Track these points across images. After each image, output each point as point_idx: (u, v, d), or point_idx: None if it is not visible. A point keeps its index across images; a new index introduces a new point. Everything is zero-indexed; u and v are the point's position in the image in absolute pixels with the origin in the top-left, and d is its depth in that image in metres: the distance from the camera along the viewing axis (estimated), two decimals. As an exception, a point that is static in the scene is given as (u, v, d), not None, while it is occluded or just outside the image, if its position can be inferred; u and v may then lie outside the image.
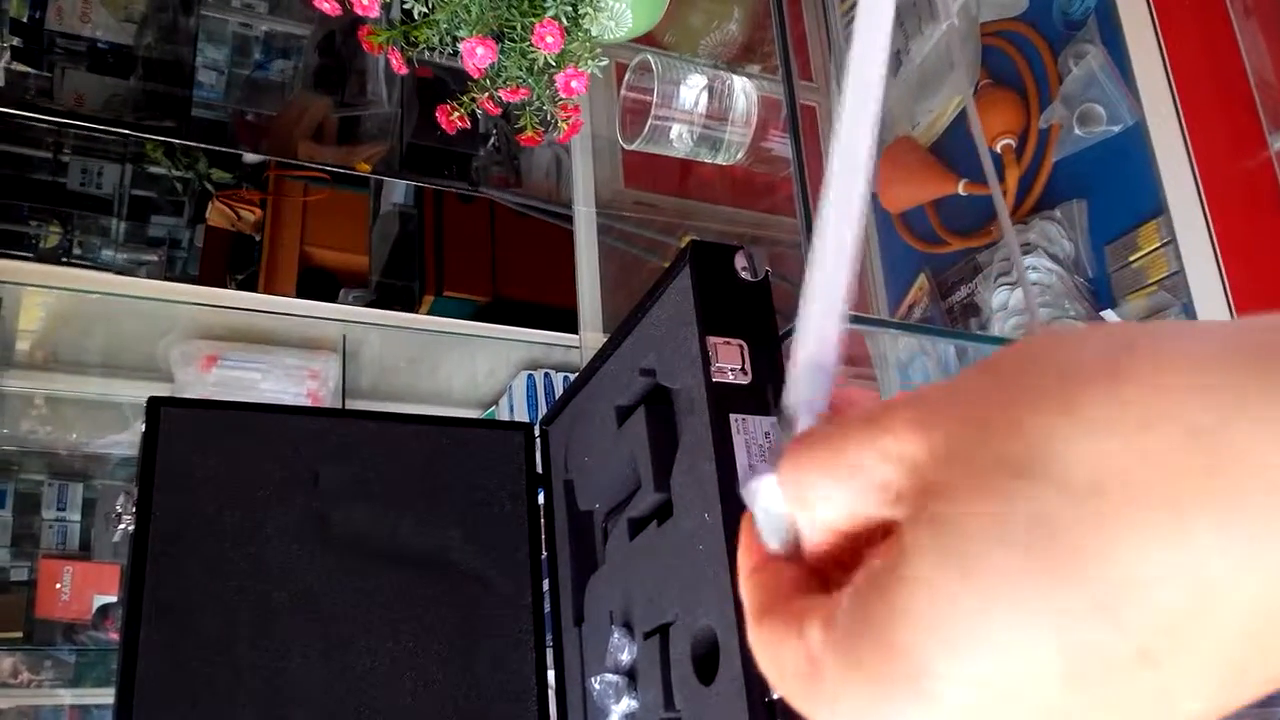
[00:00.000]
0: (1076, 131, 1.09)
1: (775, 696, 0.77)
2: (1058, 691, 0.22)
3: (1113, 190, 1.06)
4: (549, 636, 1.09)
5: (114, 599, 2.10)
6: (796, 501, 0.29)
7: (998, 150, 1.15)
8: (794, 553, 0.30)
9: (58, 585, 2.11)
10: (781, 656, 0.27)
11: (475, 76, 1.00)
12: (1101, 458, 0.21)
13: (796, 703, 0.27)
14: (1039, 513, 0.22)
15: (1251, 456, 0.20)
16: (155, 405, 1.00)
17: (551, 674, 1.09)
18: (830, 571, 0.30)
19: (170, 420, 0.99)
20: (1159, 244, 1.02)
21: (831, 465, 0.27)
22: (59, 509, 2.20)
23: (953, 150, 1.24)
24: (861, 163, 0.32)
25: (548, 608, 1.11)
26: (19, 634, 2.12)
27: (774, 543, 0.31)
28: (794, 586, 0.30)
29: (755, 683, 0.78)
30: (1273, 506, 0.20)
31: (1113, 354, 0.23)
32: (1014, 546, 0.22)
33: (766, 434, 0.81)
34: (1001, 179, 1.14)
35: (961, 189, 1.20)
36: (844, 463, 0.27)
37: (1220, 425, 0.21)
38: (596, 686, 0.95)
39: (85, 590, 2.13)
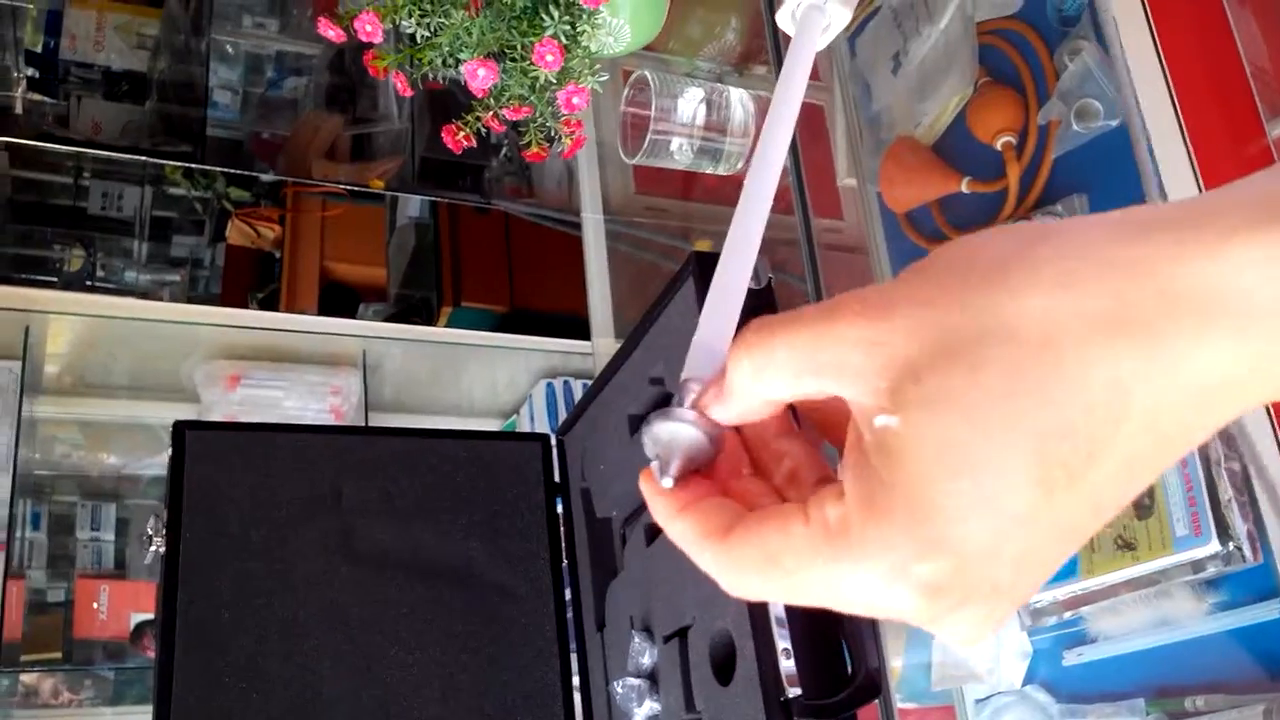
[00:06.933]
0: (1075, 127, 1.09)
1: (790, 696, 0.79)
2: (1029, 493, 0.28)
3: (1112, 184, 1.07)
4: (572, 642, 1.11)
5: (150, 616, 2.12)
6: (753, 371, 0.33)
7: (998, 148, 1.16)
8: (688, 482, 0.36)
9: (95, 605, 2.14)
10: (780, 549, 0.33)
11: (479, 96, 1.02)
12: (1040, 315, 0.28)
13: (811, 575, 0.32)
14: (1009, 366, 0.28)
15: (1142, 301, 0.27)
16: (180, 429, 1.02)
17: (576, 679, 1.11)
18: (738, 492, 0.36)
19: (195, 443, 1.02)
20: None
21: (791, 340, 0.32)
22: (93, 529, 2.23)
23: (954, 149, 1.24)
24: (775, 164, 0.41)
25: (570, 614, 1.13)
26: (58, 654, 2.15)
27: (674, 472, 0.36)
28: (733, 506, 0.36)
29: (770, 681, 0.79)
30: (1169, 328, 0.27)
31: (1028, 240, 0.30)
32: (994, 392, 0.28)
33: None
34: (1003, 176, 1.15)
35: (965, 187, 1.21)
36: (804, 339, 0.31)
37: (1119, 279, 0.28)
38: (619, 690, 0.96)
39: (122, 609, 2.15)
